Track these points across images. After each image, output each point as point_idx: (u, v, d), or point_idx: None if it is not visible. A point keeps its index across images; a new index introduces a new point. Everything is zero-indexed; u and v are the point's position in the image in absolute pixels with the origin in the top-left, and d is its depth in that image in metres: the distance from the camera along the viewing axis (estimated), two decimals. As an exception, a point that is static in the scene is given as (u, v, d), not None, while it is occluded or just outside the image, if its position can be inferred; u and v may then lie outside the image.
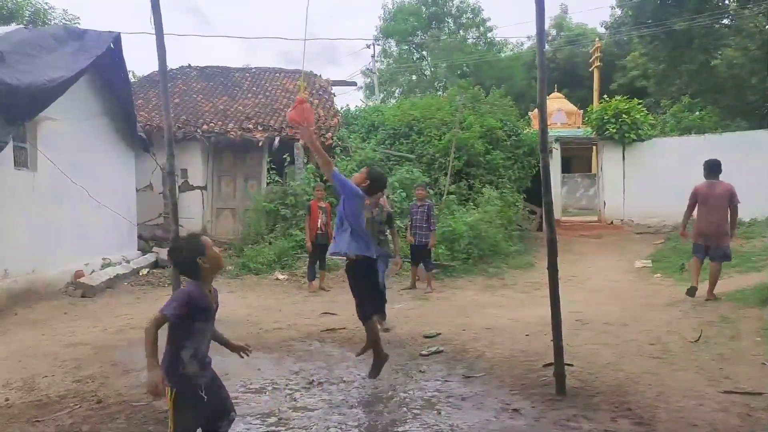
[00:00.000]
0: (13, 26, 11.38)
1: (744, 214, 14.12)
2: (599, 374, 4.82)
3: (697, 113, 18.87)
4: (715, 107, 19.55)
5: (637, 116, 16.21)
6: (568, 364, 4.62)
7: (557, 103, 25.35)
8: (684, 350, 5.43)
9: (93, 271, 9.94)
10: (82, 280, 9.31)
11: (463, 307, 7.89)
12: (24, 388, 4.80)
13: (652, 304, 7.68)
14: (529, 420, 3.95)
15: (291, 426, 3.96)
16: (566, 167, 21.47)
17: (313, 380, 4.89)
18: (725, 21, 19.95)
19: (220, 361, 5.50)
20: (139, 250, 12.10)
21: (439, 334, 6.49)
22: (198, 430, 2.97)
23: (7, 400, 4.51)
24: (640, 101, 17.43)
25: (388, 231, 7.56)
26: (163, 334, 2.88)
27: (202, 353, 2.95)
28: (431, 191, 12.65)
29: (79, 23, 18.98)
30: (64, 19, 19.16)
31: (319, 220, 9.38)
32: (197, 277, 2.96)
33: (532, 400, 4.31)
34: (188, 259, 2.94)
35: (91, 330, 6.93)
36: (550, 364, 4.70)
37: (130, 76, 13.29)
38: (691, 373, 4.77)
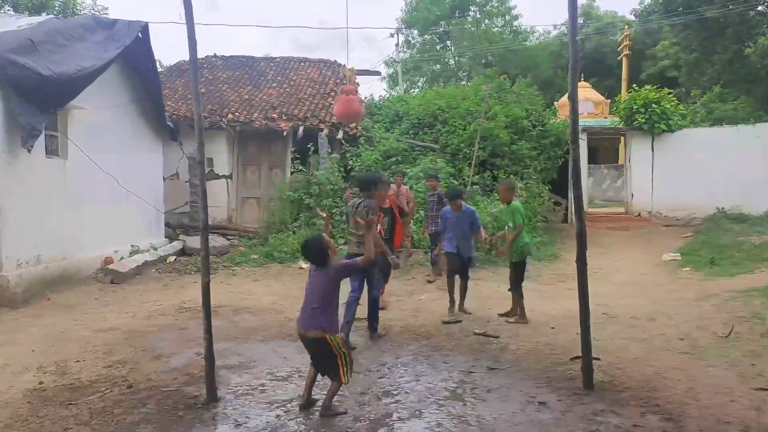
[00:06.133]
0: (44, 16, 11.56)
1: (778, 207, 13.85)
2: (627, 369, 4.76)
3: (730, 103, 18.41)
4: (749, 97, 19.06)
5: (667, 106, 15.85)
6: (596, 358, 4.57)
7: (584, 93, 24.91)
8: (714, 346, 5.33)
9: (122, 258, 10.12)
10: (111, 266, 9.49)
11: (487, 299, 7.84)
12: (57, 371, 4.92)
13: (681, 299, 7.55)
14: (555, 413, 3.93)
15: (317, 414, 3.99)
16: (592, 158, 21.15)
17: (338, 369, 4.91)
18: (760, 8, 19.40)
19: (247, 348, 5.61)
20: (166, 237, 12.27)
21: (460, 321, 6.54)
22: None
23: (41, 383, 4.63)
24: (670, 91, 17.03)
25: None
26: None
27: None
28: (455, 182, 12.56)
29: (107, 14, 19.21)
30: (93, 9, 19.41)
31: (379, 224, 6.97)
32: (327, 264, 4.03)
33: (559, 393, 4.28)
34: (324, 254, 4.04)
35: (121, 315, 7.08)
36: (577, 358, 4.66)
37: (157, 65, 13.43)
38: (721, 370, 4.69)
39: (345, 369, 3.93)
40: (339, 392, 4.05)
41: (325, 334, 3.92)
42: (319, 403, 4.05)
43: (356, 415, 3.95)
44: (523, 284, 6.77)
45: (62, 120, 9.00)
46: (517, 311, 6.64)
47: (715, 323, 6.05)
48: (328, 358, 3.95)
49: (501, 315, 6.73)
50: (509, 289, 6.82)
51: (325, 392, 4.02)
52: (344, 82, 13.85)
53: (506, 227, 6.90)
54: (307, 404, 4.07)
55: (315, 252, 4.06)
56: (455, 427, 3.74)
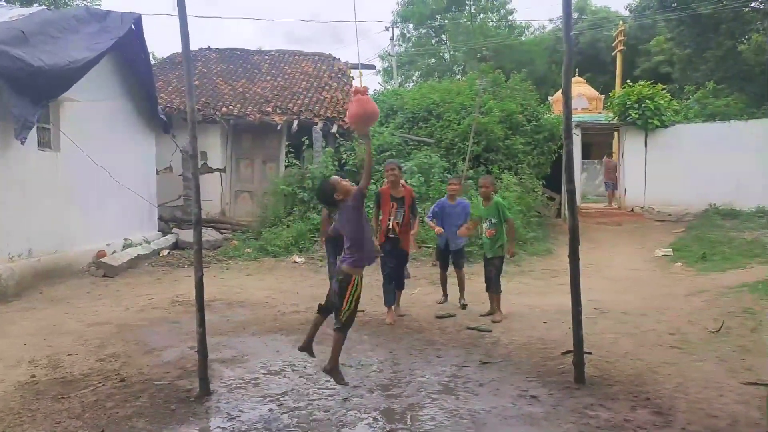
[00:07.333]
0: (36, 7, 11.46)
1: (769, 202, 13.95)
2: (618, 363, 4.80)
3: (723, 99, 18.48)
4: (742, 94, 19.13)
5: (661, 102, 15.89)
6: (587, 353, 4.60)
7: (578, 88, 24.93)
8: (704, 341, 5.38)
9: (114, 252, 10.08)
10: (104, 260, 9.45)
11: (480, 294, 7.88)
12: (49, 365, 4.91)
13: (672, 294, 7.60)
14: (546, 407, 3.95)
15: (310, 408, 4.00)
16: (585, 153, 21.19)
17: (331, 363, 4.93)
18: (754, 5, 19.45)
19: (240, 342, 5.61)
20: (159, 231, 12.24)
21: (453, 315, 6.60)
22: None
23: (33, 376, 4.62)
24: (664, 87, 17.07)
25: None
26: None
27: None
28: (448, 176, 12.55)
29: (99, 5, 19.05)
30: (85, 0, 19.24)
31: (392, 218, 6.41)
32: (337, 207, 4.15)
33: (550, 387, 4.31)
34: (329, 196, 4.11)
35: (113, 309, 7.06)
36: (568, 352, 4.69)
37: (151, 57, 13.35)
38: (711, 364, 4.73)
39: (345, 312, 4.01)
40: (332, 387, 4.06)
41: (353, 273, 4.05)
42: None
43: (349, 409, 3.97)
44: (517, 279, 6.91)
45: (54, 112, 8.94)
46: (498, 308, 6.55)
47: (706, 318, 6.10)
48: (341, 294, 4.05)
49: (484, 315, 6.60)
50: (488, 289, 6.68)
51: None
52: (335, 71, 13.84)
53: (486, 223, 6.65)
54: (304, 347, 4.23)
55: (324, 196, 4.24)
56: (447, 421, 3.76)
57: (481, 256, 9.80)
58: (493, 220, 6.57)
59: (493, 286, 6.60)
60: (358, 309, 4.14)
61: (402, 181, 6.79)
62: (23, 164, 8.07)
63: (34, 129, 8.20)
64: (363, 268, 4.15)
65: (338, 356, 4.08)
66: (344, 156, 13.17)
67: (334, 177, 4.32)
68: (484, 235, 6.73)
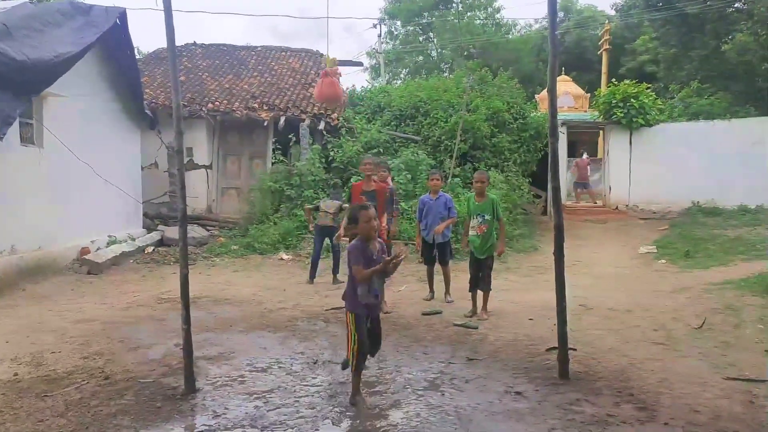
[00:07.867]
0: (19, 0, 11.29)
1: (750, 201, 14.17)
2: (602, 359, 4.84)
3: (707, 99, 18.72)
4: (726, 93, 19.36)
5: (645, 101, 16.02)
6: (572, 349, 4.64)
7: (564, 87, 25.08)
8: (688, 337, 5.45)
9: (98, 249, 9.99)
10: (88, 257, 9.36)
11: (466, 290, 7.91)
12: (32, 363, 4.85)
13: (656, 291, 7.69)
14: (532, 403, 3.98)
15: (297, 405, 3.99)
16: (572, 151, 21.32)
17: (317, 360, 4.93)
18: (737, 5, 19.70)
19: (227, 339, 5.59)
20: (144, 227, 12.14)
21: (440, 312, 6.62)
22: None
23: (15, 374, 4.56)
24: (649, 86, 17.22)
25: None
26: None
27: (373, 287, 4.02)
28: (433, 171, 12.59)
29: (84, -2, 18.79)
30: (69, -6, 18.95)
31: None
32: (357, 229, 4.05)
33: (535, 383, 4.34)
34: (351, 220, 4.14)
35: (98, 306, 7.00)
36: (553, 348, 4.73)
37: (136, 52, 13.21)
38: (694, 360, 4.79)
39: (351, 351, 3.99)
40: (318, 384, 4.04)
41: (345, 308, 4.11)
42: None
43: (335, 406, 3.96)
44: (504, 275, 6.92)
45: (38, 107, 8.83)
46: (486, 307, 6.47)
47: (690, 315, 6.18)
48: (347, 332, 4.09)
49: (467, 316, 6.44)
50: (477, 288, 6.52)
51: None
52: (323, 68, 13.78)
53: (478, 219, 6.46)
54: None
55: (348, 216, 4.33)
56: (433, 417, 3.77)
57: (467, 253, 9.83)
58: (486, 217, 6.39)
59: (485, 285, 6.48)
60: (361, 350, 3.99)
61: (386, 178, 6.85)
62: (5, 160, 7.96)
63: (17, 124, 8.09)
64: (357, 313, 3.98)
65: (357, 387, 4.01)
66: (331, 153, 13.15)
67: (371, 212, 4.07)
68: (473, 233, 6.53)
